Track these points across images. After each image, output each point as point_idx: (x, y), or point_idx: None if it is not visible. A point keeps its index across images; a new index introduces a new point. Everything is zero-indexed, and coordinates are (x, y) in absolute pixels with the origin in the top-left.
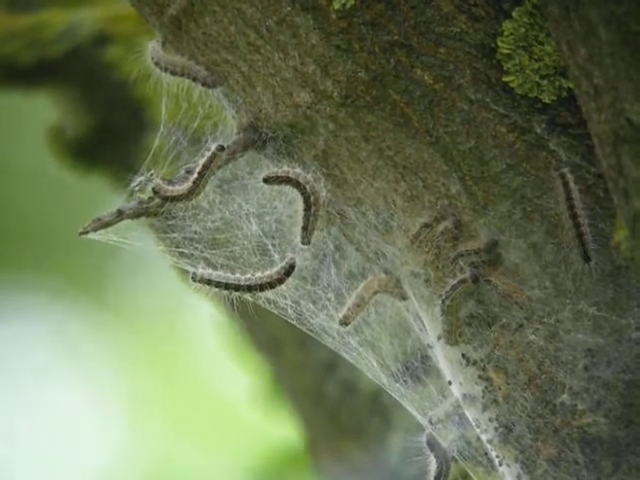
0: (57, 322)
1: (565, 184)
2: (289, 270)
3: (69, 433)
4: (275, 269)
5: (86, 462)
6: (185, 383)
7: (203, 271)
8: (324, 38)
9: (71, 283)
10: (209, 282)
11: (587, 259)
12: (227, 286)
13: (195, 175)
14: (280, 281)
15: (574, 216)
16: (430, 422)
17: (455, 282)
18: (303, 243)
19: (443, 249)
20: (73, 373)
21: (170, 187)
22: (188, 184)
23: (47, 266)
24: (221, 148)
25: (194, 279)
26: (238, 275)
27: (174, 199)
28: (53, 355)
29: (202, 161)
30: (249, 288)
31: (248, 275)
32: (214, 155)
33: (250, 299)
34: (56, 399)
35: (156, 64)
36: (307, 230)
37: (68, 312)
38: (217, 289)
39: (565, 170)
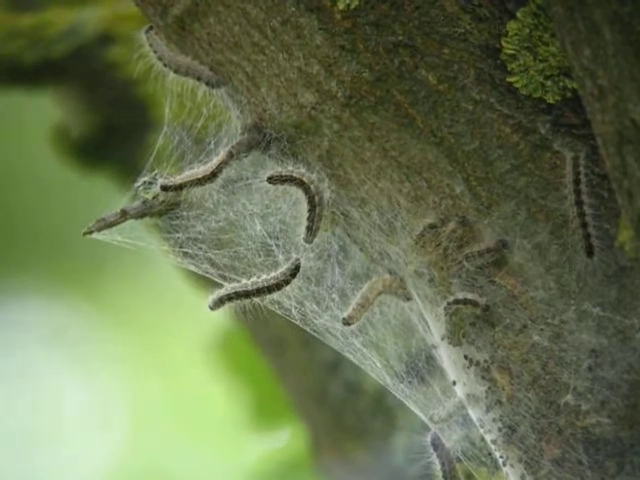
0: (58, 323)
1: (575, 167)
2: (295, 271)
3: (69, 435)
4: (281, 270)
5: (86, 464)
6: (186, 385)
7: (213, 297)
8: (328, 38)
9: (73, 284)
10: (221, 301)
11: (590, 252)
12: (237, 295)
13: (214, 164)
14: (286, 282)
15: (579, 202)
16: (431, 420)
17: (466, 298)
18: (306, 242)
19: (448, 249)
20: (74, 374)
21: (176, 176)
22: (209, 166)
23: (49, 267)
24: (230, 155)
25: (212, 309)
26: (244, 281)
27: (176, 187)
28: (54, 356)
29: (218, 157)
30: (257, 292)
31: (254, 279)
32: (228, 158)
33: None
34: (57, 401)
35: (159, 59)
36: (311, 230)
37: (69, 313)
38: (230, 302)
39: (581, 154)
